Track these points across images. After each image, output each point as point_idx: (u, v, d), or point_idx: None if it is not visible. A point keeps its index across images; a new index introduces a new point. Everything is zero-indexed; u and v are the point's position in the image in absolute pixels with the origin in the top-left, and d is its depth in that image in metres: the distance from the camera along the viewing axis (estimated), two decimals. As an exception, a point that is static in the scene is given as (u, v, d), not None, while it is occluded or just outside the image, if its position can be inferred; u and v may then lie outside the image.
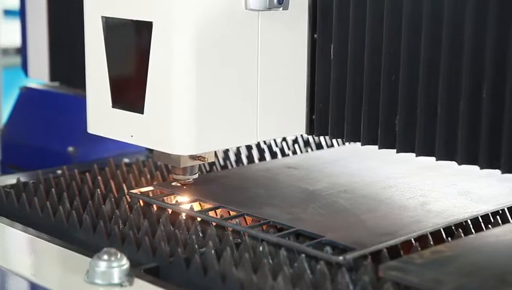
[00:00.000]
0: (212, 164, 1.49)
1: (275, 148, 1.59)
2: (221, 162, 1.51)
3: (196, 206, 1.23)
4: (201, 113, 1.17)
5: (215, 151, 1.33)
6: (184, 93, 1.16)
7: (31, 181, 1.37)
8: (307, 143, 1.65)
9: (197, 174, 1.30)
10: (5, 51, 3.03)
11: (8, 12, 3.51)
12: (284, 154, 1.58)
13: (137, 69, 1.20)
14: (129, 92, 1.23)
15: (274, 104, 1.26)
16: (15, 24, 3.44)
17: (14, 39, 3.31)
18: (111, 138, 1.26)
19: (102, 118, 1.26)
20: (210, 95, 1.18)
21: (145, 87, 1.19)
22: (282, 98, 1.28)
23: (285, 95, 1.28)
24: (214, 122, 1.19)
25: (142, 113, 1.20)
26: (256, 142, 1.28)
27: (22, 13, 1.82)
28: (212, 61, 1.18)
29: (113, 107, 1.24)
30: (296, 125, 1.31)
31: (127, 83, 1.24)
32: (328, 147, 1.64)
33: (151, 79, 1.18)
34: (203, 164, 1.48)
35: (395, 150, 1.50)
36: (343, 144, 1.64)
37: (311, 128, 1.32)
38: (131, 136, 1.22)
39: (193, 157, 1.25)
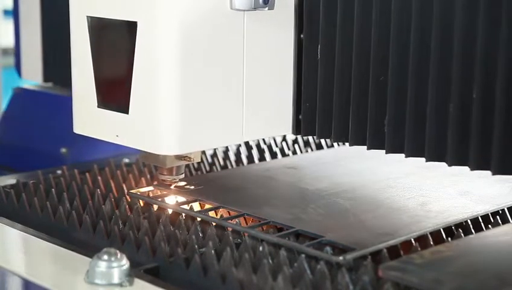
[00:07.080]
0: (212, 164, 1.49)
1: (274, 148, 1.59)
2: (221, 162, 1.51)
3: (196, 206, 1.23)
4: (186, 113, 1.17)
5: (202, 152, 1.32)
6: (169, 93, 1.16)
7: (31, 181, 1.37)
8: (306, 143, 1.64)
9: (183, 175, 1.29)
10: (5, 51, 3.02)
11: (8, 13, 3.51)
12: (284, 154, 1.58)
13: (123, 69, 1.20)
14: (114, 92, 1.23)
15: (260, 104, 1.26)
16: (15, 24, 3.44)
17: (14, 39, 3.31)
18: (97, 138, 1.26)
19: (88, 118, 1.26)
20: (195, 95, 1.18)
21: (130, 87, 1.18)
22: (268, 98, 1.27)
23: (271, 95, 1.27)
24: (200, 122, 1.19)
25: (127, 113, 1.20)
26: (242, 142, 1.27)
27: (15, 14, 1.81)
28: (197, 61, 1.17)
29: (98, 107, 1.24)
30: (282, 125, 1.30)
31: (112, 83, 1.23)
32: (328, 147, 1.64)
33: (136, 79, 1.18)
34: (203, 164, 1.48)
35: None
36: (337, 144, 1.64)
37: (297, 128, 1.31)
38: (117, 136, 1.22)
39: (179, 157, 1.25)
